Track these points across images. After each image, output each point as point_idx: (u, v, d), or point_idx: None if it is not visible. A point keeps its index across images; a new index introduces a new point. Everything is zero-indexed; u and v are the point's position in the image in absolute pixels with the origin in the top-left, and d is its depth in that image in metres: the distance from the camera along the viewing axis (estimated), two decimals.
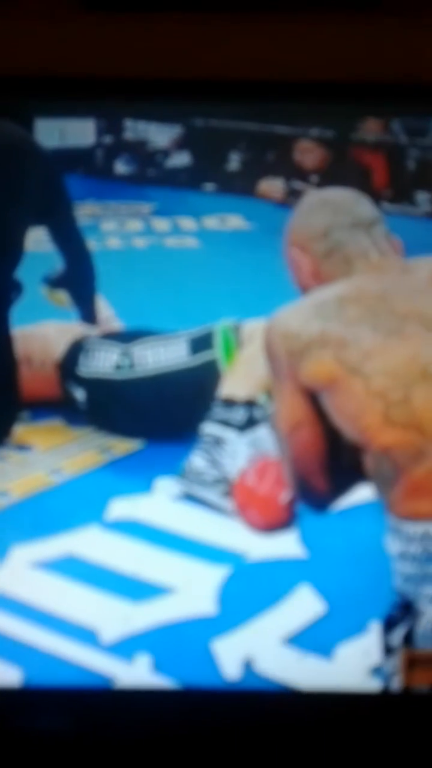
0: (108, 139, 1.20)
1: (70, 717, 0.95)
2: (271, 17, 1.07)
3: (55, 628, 0.99)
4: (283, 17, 1.07)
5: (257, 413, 1.13)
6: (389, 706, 0.94)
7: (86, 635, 0.99)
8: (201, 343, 1.18)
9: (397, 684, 0.93)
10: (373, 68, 1.03)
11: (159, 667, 0.97)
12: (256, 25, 1.06)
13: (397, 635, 0.93)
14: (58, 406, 1.23)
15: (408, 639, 0.93)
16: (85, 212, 1.17)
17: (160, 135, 1.21)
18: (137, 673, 0.96)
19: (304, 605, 0.99)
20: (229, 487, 1.10)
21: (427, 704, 0.93)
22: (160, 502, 1.09)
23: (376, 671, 0.95)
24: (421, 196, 1.12)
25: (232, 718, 0.94)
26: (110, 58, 1.03)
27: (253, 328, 1.14)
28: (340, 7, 1.11)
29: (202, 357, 1.18)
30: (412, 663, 0.93)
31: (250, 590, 1.00)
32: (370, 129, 1.11)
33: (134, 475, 1.12)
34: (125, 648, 0.98)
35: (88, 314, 1.23)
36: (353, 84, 1.03)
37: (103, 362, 1.22)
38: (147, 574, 1.03)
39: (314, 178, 1.11)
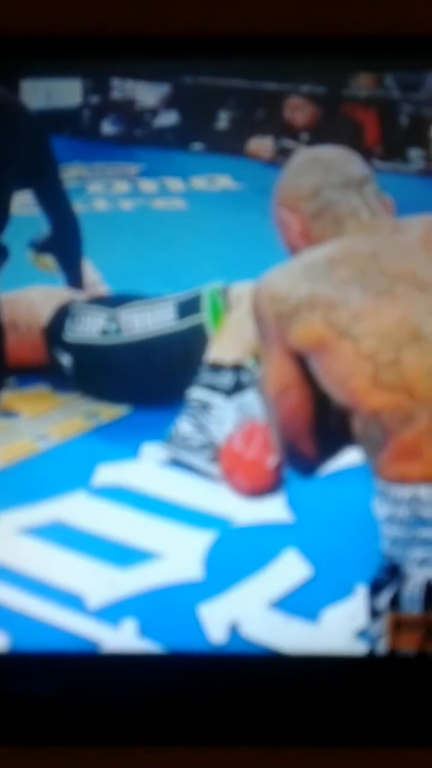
0: (95, 99, 1.21)
1: (57, 682, 0.95)
2: None
3: (42, 594, 1.01)
4: None
5: (245, 377, 1.13)
6: (375, 669, 0.95)
7: (73, 600, 1.00)
8: (188, 307, 1.18)
9: (382, 647, 0.93)
10: (365, 21, 1.02)
11: (145, 631, 0.98)
12: None
13: (384, 599, 0.94)
14: (44, 372, 1.23)
15: (394, 602, 0.94)
16: (71, 174, 1.18)
17: (147, 94, 1.21)
18: (123, 638, 0.98)
19: (290, 569, 1.00)
20: (216, 452, 1.11)
21: (412, 667, 0.94)
22: (147, 468, 1.10)
23: (362, 634, 0.95)
24: (414, 153, 1.12)
25: (218, 682, 0.94)
26: (96, 16, 1.03)
27: (242, 290, 1.14)
28: None
29: (190, 321, 1.18)
30: (398, 626, 0.94)
31: (236, 555, 1.01)
32: (363, 84, 1.11)
33: (121, 441, 1.12)
34: (112, 613, 0.99)
35: (75, 279, 1.23)
36: (344, 38, 1.03)
37: (90, 327, 1.22)
38: (134, 540, 1.04)
39: (304, 135, 1.12)
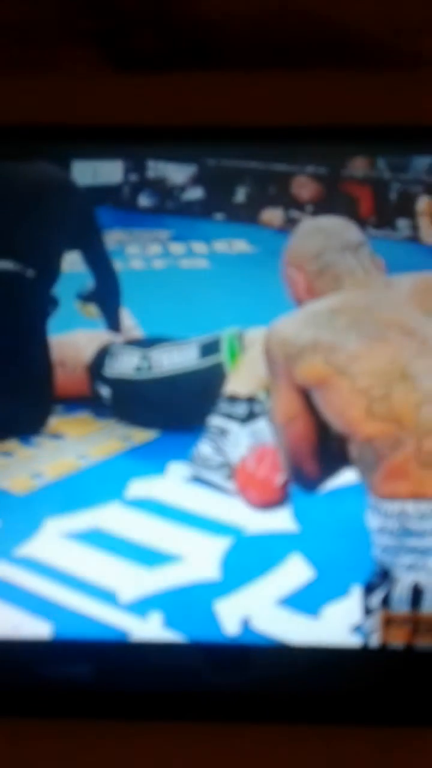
0: (133, 177, 1.21)
1: (93, 665, 0.94)
2: (271, 73, 1.08)
3: (81, 590, 0.99)
4: (282, 73, 1.08)
5: (257, 408, 1.13)
6: (368, 660, 0.93)
7: (107, 596, 0.98)
8: (210, 348, 1.18)
9: (375, 640, 0.92)
10: (361, 113, 1.03)
11: (169, 623, 0.96)
12: (259, 79, 1.07)
13: (376, 598, 0.93)
14: (86, 402, 1.22)
15: (385, 602, 0.92)
16: (112, 238, 1.18)
17: (177, 173, 1.21)
18: (150, 629, 0.96)
19: (295, 572, 0.98)
20: (232, 470, 1.09)
21: (400, 658, 0.92)
22: (173, 484, 1.08)
23: (357, 629, 0.94)
24: (402, 223, 1.12)
25: (231, 668, 0.93)
26: (135, 109, 1.04)
27: (255, 335, 1.13)
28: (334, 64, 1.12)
29: (211, 360, 1.18)
30: (389, 622, 0.92)
31: (248, 559, 1.00)
32: (358, 166, 1.12)
33: (150, 460, 1.11)
34: (140, 607, 0.97)
35: (114, 324, 1.23)
36: (343, 128, 1.04)
37: (126, 365, 1.22)
38: (160, 544, 1.02)
39: (309, 208, 1.12)
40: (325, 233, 1.05)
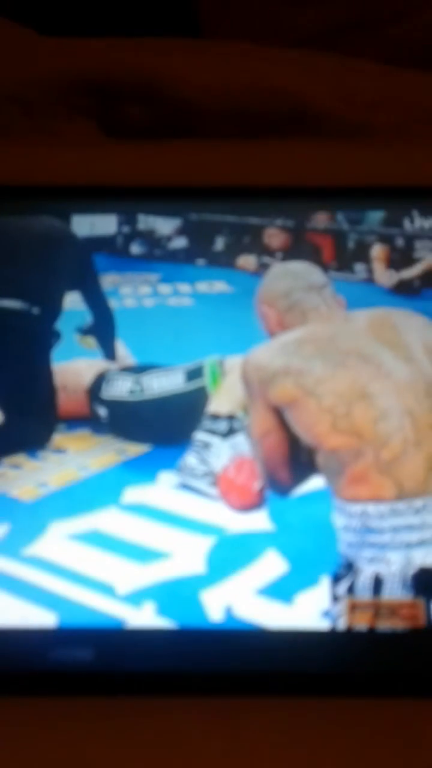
0: (126, 229, 1.21)
1: (93, 650, 0.92)
2: (245, 142, 1.10)
3: (83, 584, 0.97)
4: (255, 142, 1.10)
5: (236, 424, 1.12)
6: (336, 641, 0.92)
7: (105, 588, 0.97)
8: (194, 374, 1.18)
9: (342, 624, 0.92)
10: (322, 175, 1.05)
11: (161, 611, 0.95)
12: (234, 146, 1.09)
13: (342, 587, 0.92)
14: (86, 420, 1.21)
15: (350, 590, 0.92)
16: (108, 281, 1.18)
17: (164, 225, 1.22)
18: (144, 617, 0.94)
19: (271, 565, 0.97)
20: (215, 478, 1.08)
21: (364, 639, 0.91)
22: (163, 490, 1.07)
23: (326, 614, 0.93)
24: (359, 267, 1.13)
25: (217, 650, 0.92)
26: (127, 172, 1.05)
27: (233, 362, 1.13)
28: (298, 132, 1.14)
29: (195, 384, 1.17)
30: (353, 608, 0.91)
31: (230, 554, 0.98)
32: (320, 219, 1.13)
33: (143, 471, 1.10)
34: (135, 598, 0.96)
35: (110, 354, 1.22)
36: (307, 187, 1.05)
37: (120, 388, 1.21)
38: (152, 543, 1.00)
39: (279, 254, 1.13)
40: (293, 276, 1.06)
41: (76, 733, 0.87)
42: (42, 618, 0.95)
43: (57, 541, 1.01)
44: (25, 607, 0.96)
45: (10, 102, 1.15)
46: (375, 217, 1.11)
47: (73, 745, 0.87)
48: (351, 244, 1.13)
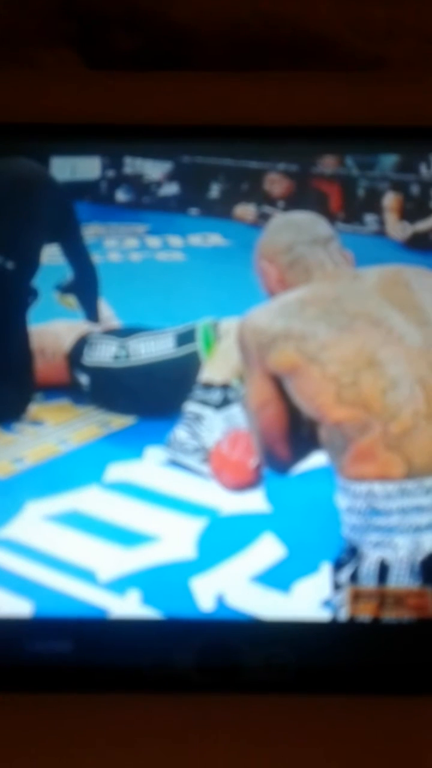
0: (110, 173, 1.20)
1: (73, 641, 0.93)
2: (243, 74, 1.08)
3: (61, 569, 0.98)
4: (253, 74, 1.08)
5: (231, 394, 1.12)
6: (337, 632, 0.94)
7: (86, 575, 0.98)
8: (185, 338, 1.18)
9: (343, 614, 0.93)
10: (330, 114, 1.04)
11: (147, 600, 0.96)
12: (232, 80, 1.07)
13: (345, 574, 0.93)
14: (66, 389, 1.21)
15: (353, 577, 0.93)
16: (90, 232, 1.17)
17: (153, 169, 1.20)
18: (128, 606, 0.96)
19: (267, 550, 0.98)
20: (207, 454, 1.09)
21: (368, 630, 0.93)
22: (150, 467, 1.07)
23: (327, 603, 0.94)
24: (369, 218, 1.12)
25: (207, 642, 0.93)
26: (112, 107, 1.04)
27: (229, 325, 1.13)
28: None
29: (186, 349, 1.17)
30: (357, 597, 0.93)
31: (223, 538, 0.99)
32: (328, 164, 1.12)
33: (128, 445, 1.11)
34: (119, 585, 0.97)
35: (92, 314, 1.22)
36: (313, 127, 1.04)
37: (104, 353, 1.21)
38: (138, 525, 1.01)
39: (281, 203, 1.12)
40: (296, 228, 1.06)
41: (54, 731, 0.89)
42: (17, 607, 0.96)
43: (33, 522, 1.02)
44: None
45: None
46: (388, 161, 1.10)
47: (51, 744, 0.89)
48: (361, 192, 1.12)
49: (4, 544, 1.01)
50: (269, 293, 1.05)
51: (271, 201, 1.14)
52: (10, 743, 0.89)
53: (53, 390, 1.20)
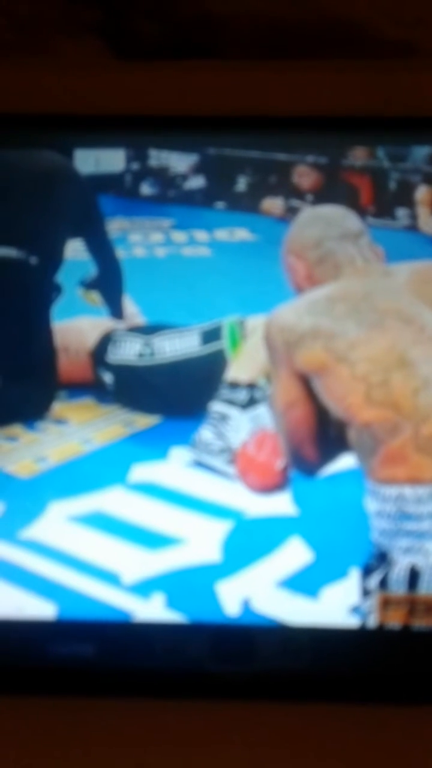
0: (135, 166, 1.20)
1: (96, 645, 0.95)
2: (273, 63, 1.08)
3: (85, 571, 1.00)
4: (283, 63, 1.08)
5: (257, 394, 1.13)
6: (366, 640, 0.94)
7: (110, 577, 0.99)
8: (211, 336, 1.18)
9: (372, 621, 0.93)
10: (361, 104, 1.03)
11: (171, 604, 0.97)
12: (260, 69, 1.07)
13: (374, 580, 0.93)
14: (90, 388, 1.22)
15: (383, 583, 0.93)
16: (115, 227, 1.17)
17: (179, 162, 1.21)
18: (153, 610, 0.97)
19: (294, 554, 0.98)
20: (233, 455, 1.09)
21: (397, 638, 0.93)
22: (175, 468, 1.08)
23: (355, 610, 0.94)
24: (401, 212, 1.12)
25: (232, 648, 0.94)
26: (137, 98, 1.04)
27: (256, 322, 1.13)
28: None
29: (212, 347, 1.18)
30: (386, 604, 0.93)
31: (249, 541, 1.00)
32: (358, 156, 1.11)
33: (153, 445, 1.11)
34: (143, 588, 0.98)
35: (117, 311, 1.23)
36: (343, 117, 1.03)
37: (128, 351, 1.22)
38: (162, 527, 1.02)
39: (309, 197, 1.11)
40: (325, 222, 1.05)
41: (76, 736, 0.90)
42: (39, 608, 0.98)
43: (57, 522, 1.03)
44: (21, 596, 0.99)
45: (4, 15, 1.14)
46: (421, 153, 1.09)
47: (72, 749, 0.90)
48: (392, 185, 1.12)
49: (27, 545, 1.02)
50: (297, 290, 1.05)
51: (299, 194, 1.13)
52: (30, 747, 0.90)
53: (77, 388, 1.21)
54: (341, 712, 0.90)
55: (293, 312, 1.00)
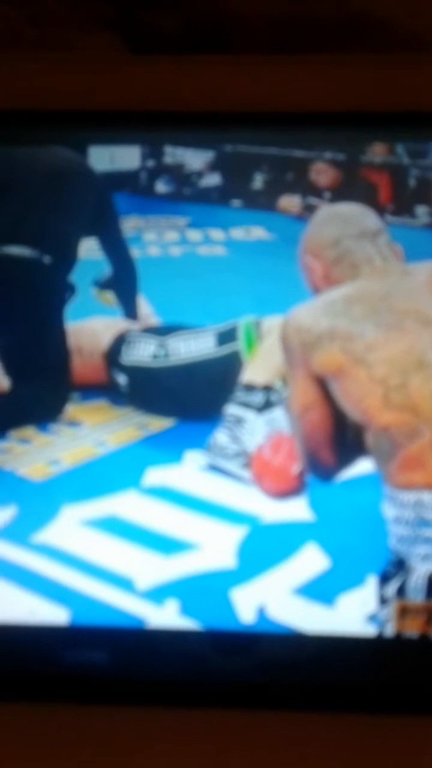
0: (150, 163, 1.20)
1: (109, 651, 0.95)
2: (290, 58, 1.07)
3: (98, 577, 0.99)
4: (300, 58, 1.07)
5: (273, 397, 1.12)
6: (383, 649, 0.93)
7: (124, 583, 0.99)
8: (226, 337, 1.18)
9: (390, 630, 0.92)
10: (380, 100, 1.02)
11: (185, 611, 0.96)
12: (278, 64, 1.06)
13: (391, 588, 0.93)
14: (103, 389, 1.22)
15: (400, 591, 0.92)
16: (129, 225, 1.17)
17: (194, 159, 1.20)
18: (167, 616, 0.96)
19: (310, 561, 0.98)
20: (248, 459, 1.09)
21: (416, 648, 0.92)
22: (189, 472, 1.08)
23: (373, 618, 0.94)
24: (420, 210, 1.10)
25: (246, 656, 0.93)
26: (152, 94, 1.03)
27: (272, 323, 1.13)
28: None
29: (227, 348, 1.17)
30: (404, 612, 0.92)
31: (264, 547, 1.00)
32: (377, 152, 1.10)
33: (167, 449, 1.11)
34: (157, 594, 0.98)
35: (131, 312, 1.23)
36: (362, 113, 1.02)
37: (143, 352, 1.22)
38: (177, 532, 1.02)
39: (327, 194, 1.10)
40: (343, 220, 1.04)
41: (88, 745, 0.90)
42: (52, 614, 0.98)
43: (70, 527, 1.03)
44: (34, 601, 0.99)
45: (10, 6, 1.13)
46: None
47: (85, 759, 0.90)
48: (412, 182, 1.11)
49: (40, 549, 1.02)
50: (314, 290, 1.04)
51: (317, 192, 1.12)
52: (41, 755, 0.90)
53: (90, 390, 1.21)
54: (358, 721, 0.89)
55: (310, 312, 0.99)
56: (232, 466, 1.09)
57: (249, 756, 0.89)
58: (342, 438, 0.98)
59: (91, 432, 1.16)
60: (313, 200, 1.12)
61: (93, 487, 1.06)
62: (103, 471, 1.10)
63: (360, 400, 0.95)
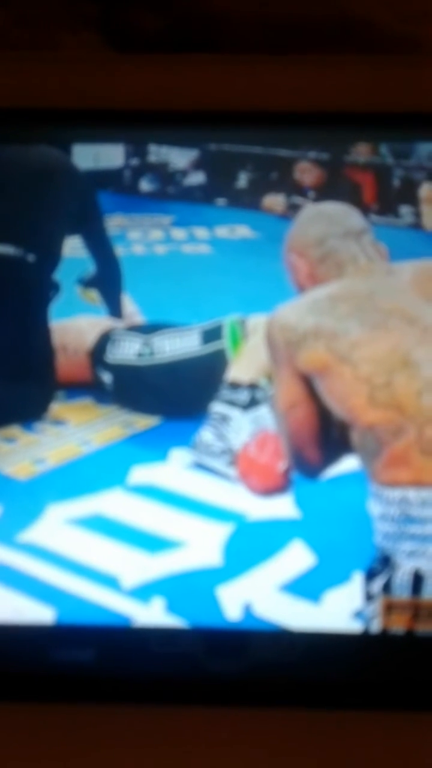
0: (134, 162, 1.20)
1: (95, 650, 0.94)
2: (275, 58, 1.07)
3: (84, 575, 0.99)
4: (285, 58, 1.07)
5: (259, 395, 1.13)
6: (369, 645, 0.94)
7: (110, 581, 0.99)
8: (211, 335, 1.18)
9: (376, 626, 0.93)
10: (364, 100, 1.03)
11: (171, 608, 0.97)
12: (262, 64, 1.06)
13: (377, 584, 0.93)
14: (88, 388, 1.22)
15: (386, 588, 0.93)
16: (114, 224, 1.17)
17: (179, 158, 1.20)
18: (153, 614, 0.97)
19: (296, 558, 0.98)
20: (234, 457, 1.10)
21: (401, 643, 0.93)
22: (175, 470, 1.08)
23: (358, 615, 0.94)
24: (404, 210, 1.11)
25: (233, 653, 0.94)
26: (136, 92, 1.03)
27: (257, 322, 1.13)
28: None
29: (212, 346, 1.18)
30: (390, 608, 0.93)
31: (250, 545, 1.00)
32: (361, 152, 1.11)
33: (152, 447, 1.11)
34: (143, 592, 0.98)
35: (116, 310, 1.23)
36: (346, 113, 1.03)
37: (127, 350, 1.22)
38: (162, 530, 1.02)
39: (312, 194, 1.11)
40: (328, 219, 1.05)
41: (75, 743, 0.90)
42: (38, 613, 0.98)
43: (55, 525, 1.03)
44: (19, 600, 0.98)
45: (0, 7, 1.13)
46: (425, 149, 1.09)
47: (71, 757, 0.90)
48: (396, 182, 1.11)
49: (25, 548, 1.02)
50: (299, 288, 1.05)
51: (301, 191, 1.13)
52: (28, 754, 0.90)
53: (75, 388, 1.21)
54: (344, 718, 0.90)
55: (295, 311, 1.00)
56: (218, 464, 1.10)
57: (236, 752, 0.89)
58: (327, 436, 0.98)
59: (76, 431, 1.16)
60: (297, 199, 1.13)
61: (78, 485, 1.06)
62: (88, 469, 1.10)
63: (345, 398, 0.95)
